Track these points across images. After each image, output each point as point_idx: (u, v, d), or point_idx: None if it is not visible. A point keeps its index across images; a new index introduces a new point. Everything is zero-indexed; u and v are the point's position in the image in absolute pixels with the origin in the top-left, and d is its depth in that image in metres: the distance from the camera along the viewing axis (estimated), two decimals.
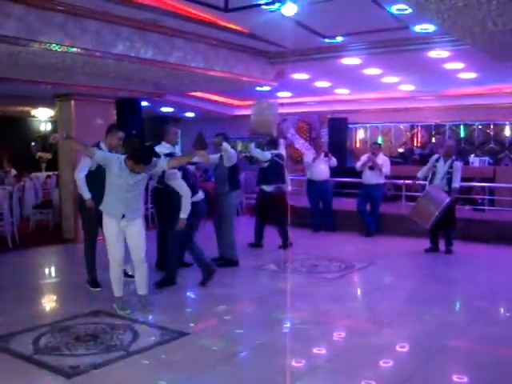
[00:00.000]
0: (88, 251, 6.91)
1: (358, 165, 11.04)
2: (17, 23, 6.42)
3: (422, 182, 9.94)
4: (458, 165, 9.03)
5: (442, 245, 9.24)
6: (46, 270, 8.62)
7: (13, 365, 4.57)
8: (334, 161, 11.22)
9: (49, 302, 6.75)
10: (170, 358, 4.73)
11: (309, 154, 11.46)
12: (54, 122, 15.98)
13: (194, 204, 6.67)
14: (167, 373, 4.42)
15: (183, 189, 6.52)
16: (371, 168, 10.76)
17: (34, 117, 17.31)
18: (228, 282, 7.35)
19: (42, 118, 17.41)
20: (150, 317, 5.85)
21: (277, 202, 9.34)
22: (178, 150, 8.06)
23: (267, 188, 9.36)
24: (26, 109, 15.97)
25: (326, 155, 11.19)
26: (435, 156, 9.38)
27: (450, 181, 8.93)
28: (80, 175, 6.62)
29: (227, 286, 7.15)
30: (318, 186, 11.19)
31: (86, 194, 6.62)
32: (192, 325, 5.53)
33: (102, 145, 6.70)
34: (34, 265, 8.78)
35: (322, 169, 11.17)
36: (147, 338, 5.14)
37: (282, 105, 12.42)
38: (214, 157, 8.13)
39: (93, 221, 6.68)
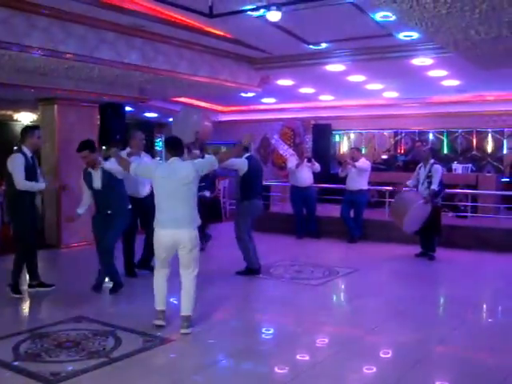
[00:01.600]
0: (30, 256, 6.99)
1: (340, 170, 11.13)
2: (1, 26, 6.38)
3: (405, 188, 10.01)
4: (436, 167, 9.06)
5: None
6: (28, 276, 8.51)
7: None
8: (317, 166, 11.25)
9: (30, 308, 6.66)
10: (153, 364, 4.70)
11: (292, 160, 11.45)
12: (37, 126, 15.83)
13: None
14: (149, 379, 4.38)
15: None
16: (340, 163, 10.92)
17: (16, 121, 17.12)
18: (210, 288, 7.32)
19: (25, 122, 17.24)
20: (132, 323, 5.82)
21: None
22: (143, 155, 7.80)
23: (208, 194, 9.68)
24: (9, 113, 15.82)
25: (309, 160, 11.22)
26: (420, 164, 9.43)
27: (430, 185, 8.99)
28: (24, 183, 6.58)
29: (209, 292, 7.12)
30: (301, 192, 11.21)
31: (40, 184, 6.82)
32: (175, 331, 5.49)
33: (25, 149, 6.71)
34: None
35: (305, 175, 11.19)
36: (130, 345, 5.08)
37: None
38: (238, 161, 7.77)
39: (34, 223, 6.91)
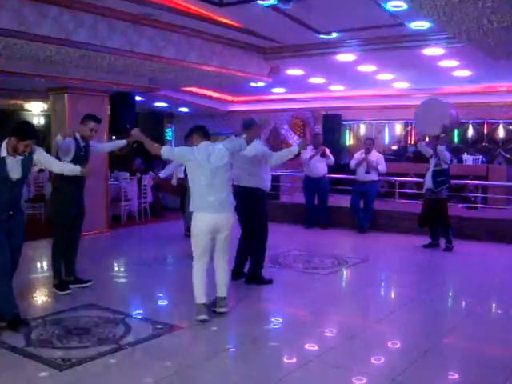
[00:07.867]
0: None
1: (352, 163, 11.01)
2: (11, 15, 6.38)
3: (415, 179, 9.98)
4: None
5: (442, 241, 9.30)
6: (38, 264, 8.59)
7: (5, 357, 4.56)
8: (331, 160, 11.15)
9: (40, 296, 6.69)
10: (162, 351, 4.73)
11: (307, 151, 11.43)
12: (48, 115, 15.91)
13: None
14: (158, 366, 4.41)
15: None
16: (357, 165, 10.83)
17: (26, 110, 17.21)
18: None
19: (35, 111, 17.32)
20: (142, 310, 5.87)
21: None
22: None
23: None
24: (19, 102, 15.89)
25: (322, 155, 11.11)
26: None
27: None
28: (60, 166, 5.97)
29: None
30: (314, 182, 11.20)
31: (77, 168, 5.89)
32: (184, 319, 5.52)
33: (77, 134, 6.44)
34: (25, 258, 8.68)
35: (319, 165, 11.15)
36: (139, 332, 5.13)
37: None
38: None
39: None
